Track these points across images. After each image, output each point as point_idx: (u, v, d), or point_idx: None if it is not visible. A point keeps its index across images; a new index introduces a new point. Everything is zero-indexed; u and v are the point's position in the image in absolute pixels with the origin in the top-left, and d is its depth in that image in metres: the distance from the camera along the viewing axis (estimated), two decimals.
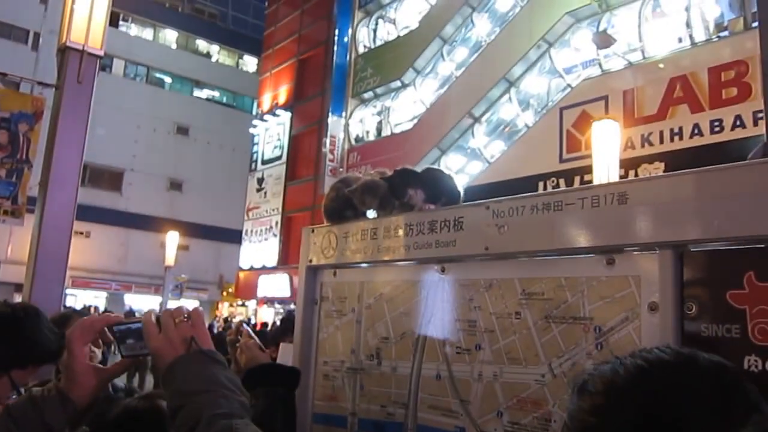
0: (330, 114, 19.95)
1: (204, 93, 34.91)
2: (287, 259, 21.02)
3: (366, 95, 19.98)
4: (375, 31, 20.32)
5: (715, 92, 10.61)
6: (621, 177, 8.56)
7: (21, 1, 27.88)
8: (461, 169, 15.88)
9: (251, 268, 23.24)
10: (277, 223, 22.26)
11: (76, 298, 27.30)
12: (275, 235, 22.21)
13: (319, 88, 21.32)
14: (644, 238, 1.27)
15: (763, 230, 1.10)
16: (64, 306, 7.59)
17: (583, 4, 13.32)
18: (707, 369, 0.72)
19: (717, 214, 1.16)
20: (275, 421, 1.63)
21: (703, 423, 0.67)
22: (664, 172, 8.59)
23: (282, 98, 23.49)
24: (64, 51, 6.17)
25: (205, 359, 1.14)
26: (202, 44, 35.70)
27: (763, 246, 1.12)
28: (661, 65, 11.64)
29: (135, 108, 30.64)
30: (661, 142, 11.18)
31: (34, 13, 27.88)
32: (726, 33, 11.48)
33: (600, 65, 13.14)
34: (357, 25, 20.61)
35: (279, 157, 22.94)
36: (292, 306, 18.85)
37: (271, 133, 23.57)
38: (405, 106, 18.60)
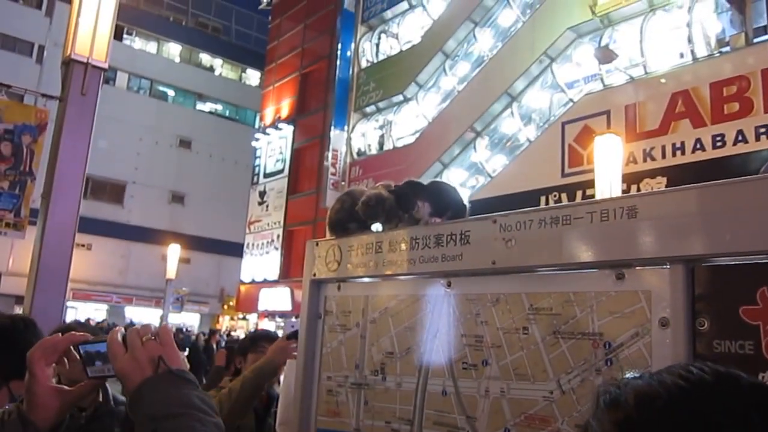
0: (332, 128, 20.03)
1: (207, 106, 35.10)
2: (288, 272, 20.98)
3: (368, 109, 20.06)
4: (377, 45, 20.41)
5: (717, 107, 10.62)
6: (623, 192, 8.55)
7: (26, 14, 28.16)
8: (463, 183, 15.91)
9: (252, 282, 23.20)
10: (278, 236, 22.23)
11: (77, 311, 27.25)
12: (276, 249, 22.18)
13: (321, 102, 21.39)
14: (654, 252, 1.25)
15: None
16: (64, 322, 7.54)
17: (585, 20, 13.40)
18: (748, 390, 0.70)
19: (729, 229, 1.15)
20: None
21: None
22: (666, 187, 8.58)
23: (284, 112, 23.56)
24: (68, 63, 6.20)
25: (175, 379, 1.06)
26: (205, 58, 35.95)
27: None
28: (663, 80, 11.67)
29: (138, 121, 30.81)
30: (663, 156, 11.18)
31: (38, 26, 28.15)
32: (728, 48, 11.53)
33: (602, 80, 13.18)
34: (360, 39, 20.73)
35: (281, 171, 22.96)
36: (294, 319, 18.80)
37: (274, 147, 23.61)
38: (407, 120, 18.65)
